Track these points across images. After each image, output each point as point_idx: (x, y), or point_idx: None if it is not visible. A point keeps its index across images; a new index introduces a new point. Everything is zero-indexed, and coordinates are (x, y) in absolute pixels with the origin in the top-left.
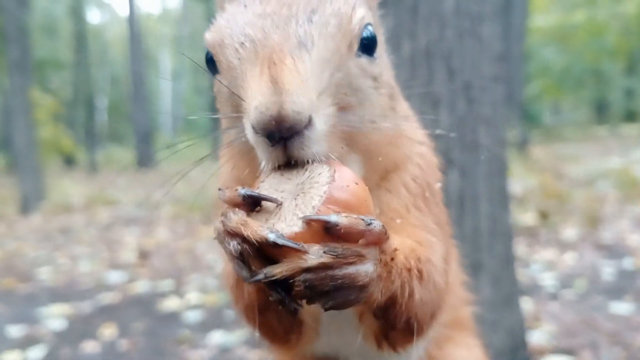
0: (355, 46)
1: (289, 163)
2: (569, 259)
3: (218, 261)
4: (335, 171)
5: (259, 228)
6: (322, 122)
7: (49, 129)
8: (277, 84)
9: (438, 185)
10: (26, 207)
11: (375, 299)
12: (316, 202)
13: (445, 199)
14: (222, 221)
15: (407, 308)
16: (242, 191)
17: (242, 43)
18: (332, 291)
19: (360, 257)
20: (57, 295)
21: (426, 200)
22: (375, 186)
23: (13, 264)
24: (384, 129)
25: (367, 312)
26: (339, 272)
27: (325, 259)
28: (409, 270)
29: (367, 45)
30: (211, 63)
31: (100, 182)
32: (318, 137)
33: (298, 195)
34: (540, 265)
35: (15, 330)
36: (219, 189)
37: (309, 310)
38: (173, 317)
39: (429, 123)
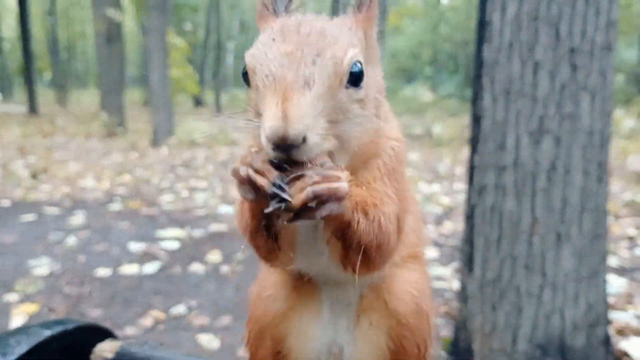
0: (345, 81)
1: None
2: None
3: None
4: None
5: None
6: (314, 136)
7: (179, 70)
8: (285, 115)
9: (403, 172)
10: (157, 140)
11: (343, 215)
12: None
13: (534, 166)
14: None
15: (358, 232)
16: (275, 181)
17: (267, 75)
18: (325, 202)
19: (339, 178)
20: (174, 220)
21: (390, 178)
22: (359, 169)
23: (141, 189)
24: (365, 134)
25: (331, 236)
26: (332, 185)
27: (324, 175)
28: (358, 204)
29: (354, 79)
30: (245, 76)
31: (222, 123)
32: (310, 147)
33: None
34: None
35: (136, 247)
36: (252, 149)
37: (286, 239)
38: None
39: (529, 87)
